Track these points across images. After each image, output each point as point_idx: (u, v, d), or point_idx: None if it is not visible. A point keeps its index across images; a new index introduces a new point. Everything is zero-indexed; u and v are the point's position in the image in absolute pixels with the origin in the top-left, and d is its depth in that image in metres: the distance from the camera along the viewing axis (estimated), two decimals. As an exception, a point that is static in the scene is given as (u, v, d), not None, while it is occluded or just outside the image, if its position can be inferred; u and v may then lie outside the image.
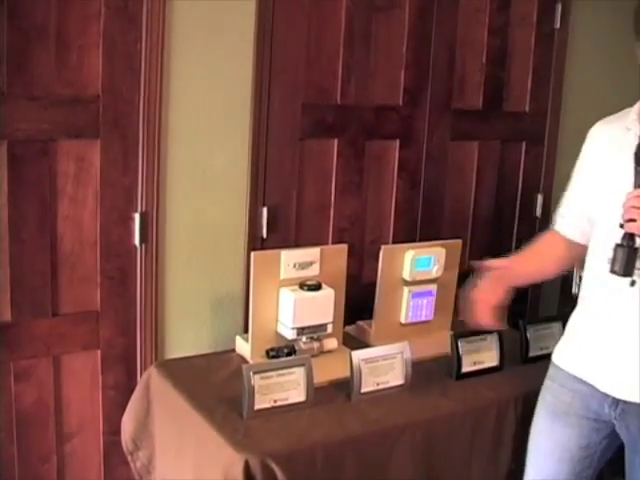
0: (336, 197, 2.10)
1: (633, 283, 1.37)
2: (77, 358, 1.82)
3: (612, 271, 1.35)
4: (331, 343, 1.89)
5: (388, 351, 1.73)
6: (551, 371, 1.54)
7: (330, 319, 1.84)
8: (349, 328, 2.03)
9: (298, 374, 1.62)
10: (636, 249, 1.34)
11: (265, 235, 1.99)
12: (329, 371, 1.78)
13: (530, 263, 1.59)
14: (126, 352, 1.88)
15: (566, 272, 1.62)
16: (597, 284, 1.45)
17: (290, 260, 1.81)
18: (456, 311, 2.07)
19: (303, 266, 1.82)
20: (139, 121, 1.75)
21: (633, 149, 1.34)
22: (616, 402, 1.43)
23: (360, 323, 2.04)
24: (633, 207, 1.31)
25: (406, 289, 1.98)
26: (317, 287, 1.81)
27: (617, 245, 1.35)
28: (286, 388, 1.61)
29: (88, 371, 1.84)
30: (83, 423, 1.86)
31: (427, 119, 2.16)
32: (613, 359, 1.42)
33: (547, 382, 1.55)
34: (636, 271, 1.36)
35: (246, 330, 1.90)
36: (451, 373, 1.83)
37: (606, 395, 1.44)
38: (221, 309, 1.96)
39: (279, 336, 1.83)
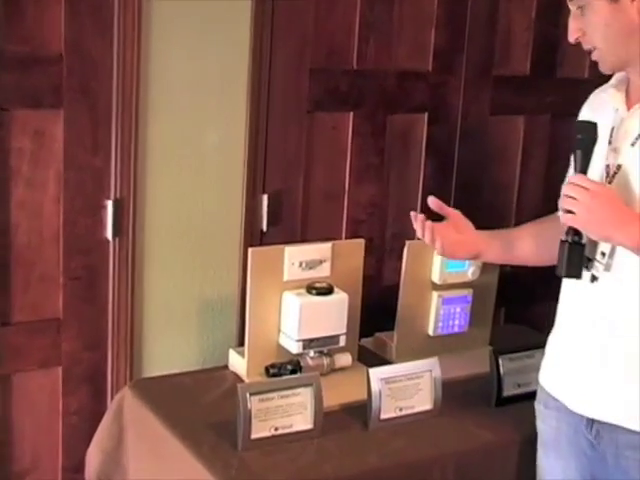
0: (351, 183, 2.10)
1: (594, 279, 1.39)
2: (32, 377, 1.81)
3: (557, 273, 1.37)
4: (344, 359, 1.90)
5: (413, 369, 1.74)
6: (538, 392, 1.58)
7: (343, 330, 1.85)
8: (366, 341, 2.04)
9: (304, 396, 1.63)
10: (582, 245, 1.35)
11: (265, 228, 1.99)
12: (342, 393, 1.79)
13: (512, 237, 1.64)
14: (94, 370, 1.87)
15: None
16: (566, 283, 1.48)
17: (295, 258, 1.82)
18: (495, 321, 2.11)
19: (311, 265, 1.83)
20: (112, 88, 1.73)
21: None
22: (590, 423, 1.44)
23: (379, 335, 2.05)
24: (568, 196, 1.33)
25: (435, 294, 1.98)
26: (328, 291, 1.82)
27: (560, 242, 1.36)
28: (290, 413, 1.62)
29: (46, 393, 1.83)
30: (38, 458, 1.85)
31: (462, 88, 2.16)
32: (580, 371, 1.44)
33: (536, 405, 1.58)
34: (596, 264, 1.37)
35: (241, 343, 1.91)
36: (490, 398, 1.83)
37: (580, 415, 1.46)
38: (211, 317, 1.97)
39: (281, 350, 1.84)
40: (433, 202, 1.61)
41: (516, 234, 1.66)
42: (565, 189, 1.35)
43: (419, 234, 1.59)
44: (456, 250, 1.62)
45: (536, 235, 1.62)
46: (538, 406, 1.57)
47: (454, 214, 1.63)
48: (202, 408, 1.72)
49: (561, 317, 1.52)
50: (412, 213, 1.59)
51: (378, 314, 2.01)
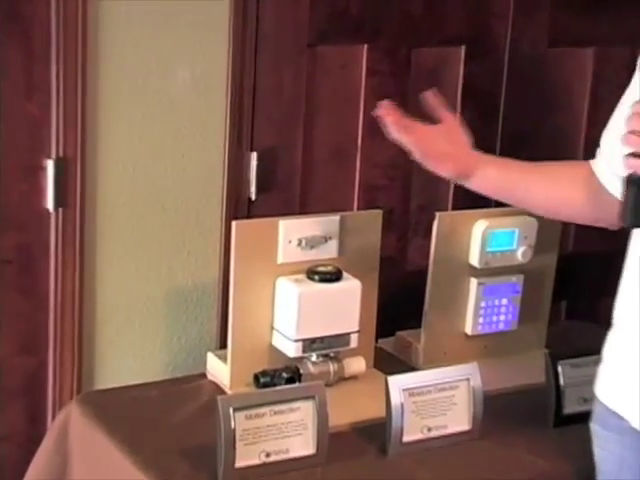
0: (365, 137, 2.10)
1: None
2: (-52, 389, 1.87)
3: (621, 221, 1.32)
4: (356, 364, 1.90)
5: (446, 378, 1.73)
6: (594, 407, 1.55)
7: (355, 327, 1.85)
8: (385, 342, 2.06)
9: (304, 412, 1.62)
10: None
11: (254, 196, 2.01)
12: (353, 408, 1.80)
13: (523, 171, 1.65)
14: (30, 380, 1.87)
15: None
16: (631, 265, 1.46)
17: (293, 234, 1.82)
18: (553, 317, 2.13)
19: (313, 243, 1.84)
20: (50, 11, 1.72)
21: None
22: None
23: (402, 334, 2.07)
24: (636, 133, 1.26)
25: (475, 282, 2.00)
26: (335, 277, 1.82)
27: (626, 180, 1.29)
28: (286, 434, 1.62)
29: (-34, 410, 1.88)
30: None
31: (511, 12, 2.16)
32: None
33: (591, 426, 1.55)
34: None
35: (224, 344, 1.92)
36: (546, 415, 1.83)
37: None
38: (184, 311, 1.99)
39: (275, 353, 1.85)
40: (430, 96, 1.62)
41: (523, 166, 1.66)
42: (631, 121, 1.28)
43: (391, 133, 1.60)
44: (440, 162, 1.64)
45: (551, 174, 1.63)
46: (594, 427, 1.54)
47: (450, 119, 1.65)
48: (172, 429, 1.72)
49: (623, 309, 1.49)
50: (380, 104, 1.60)
51: (400, 307, 2.02)
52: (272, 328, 1.84)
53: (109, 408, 1.78)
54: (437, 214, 1.93)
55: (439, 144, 1.63)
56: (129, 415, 1.77)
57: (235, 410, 1.56)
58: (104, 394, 1.86)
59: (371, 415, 1.76)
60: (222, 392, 1.82)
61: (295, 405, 1.61)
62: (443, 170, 1.65)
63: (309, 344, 1.81)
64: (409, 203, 2.18)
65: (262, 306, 1.83)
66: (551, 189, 1.62)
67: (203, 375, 1.91)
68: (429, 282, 1.95)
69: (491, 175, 1.65)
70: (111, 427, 1.71)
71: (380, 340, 2.02)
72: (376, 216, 1.92)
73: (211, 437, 1.58)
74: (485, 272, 1.98)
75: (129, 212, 1.91)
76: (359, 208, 2.10)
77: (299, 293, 1.79)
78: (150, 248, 1.94)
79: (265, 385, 1.79)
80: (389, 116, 1.61)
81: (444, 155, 1.63)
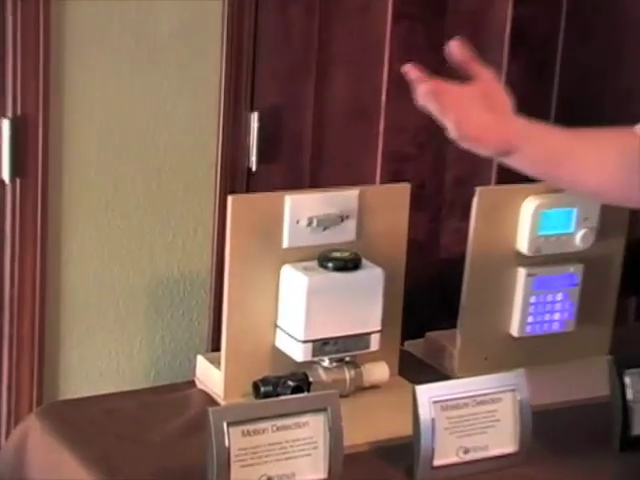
0: (391, 95, 2.11)
1: None
2: None
3: None
4: (378, 371, 1.91)
5: (487, 388, 1.73)
6: None
7: (376, 325, 1.86)
8: (412, 344, 2.08)
9: (314, 428, 1.62)
10: None
11: (255, 165, 2.03)
12: (373, 424, 1.81)
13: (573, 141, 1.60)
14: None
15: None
16: None
17: (302, 212, 1.83)
18: (620, 317, 2.13)
19: (326, 223, 1.84)
20: None
21: None
22: None
23: (433, 335, 2.09)
24: None
25: (523, 272, 2.00)
26: (353, 264, 1.83)
27: None
28: (291, 454, 1.61)
29: None
30: None
31: None
32: None
33: None
34: None
35: (216, 346, 1.94)
36: (610, 436, 1.82)
37: None
38: (169, 306, 2.01)
39: (279, 356, 1.86)
40: (456, 47, 1.53)
41: (579, 136, 1.61)
42: None
43: (420, 99, 1.50)
44: (480, 135, 1.53)
45: (611, 146, 1.60)
46: None
47: (486, 76, 1.55)
48: (154, 448, 1.73)
49: None
50: (406, 67, 1.53)
51: (431, 303, 2.06)
52: (275, 326, 1.85)
53: (76, 423, 1.78)
54: (477, 189, 1.93)
55: (476, 112, 1.53)
56: (101, 431, 1.76)
57: (230, 425, 1.55)
58: (70, 406, 1.86)
59: (395, 433, 1.75)
60: (214, 403, 1.83)
61: (303, 419, 1.61)
62: (482, 146, 1.56)
63: (320, 346, 1.82)
64: (443, 175, 2.19)
65: (264, 300, 1.83)
66: (609, 162, 1.59)
67: (191, 383, 1.92)
68: (467, 273, 1.96)
69: (540, 152, 1.59)
70: (79, 446, 1.71)
71: (407, 342, 2.03)
72: (403, 191, 1.92)
73: (201, 458, 1.58)
74: (536, 260, 1.99)
75: (102, 184, 1.92)
76: (382, 181, 2.12)
77: (309, 284, 1.79)
78: (128, 229, 1.95)
79: (267, 395, 1.79)
80: (415, 75, 1.53)
81: (481, 127, 1.54)
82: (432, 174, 2.17)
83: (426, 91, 1.49)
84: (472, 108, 1.52)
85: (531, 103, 2.09)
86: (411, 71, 1.51)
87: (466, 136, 1.51)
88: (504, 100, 1.56)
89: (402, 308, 1.93)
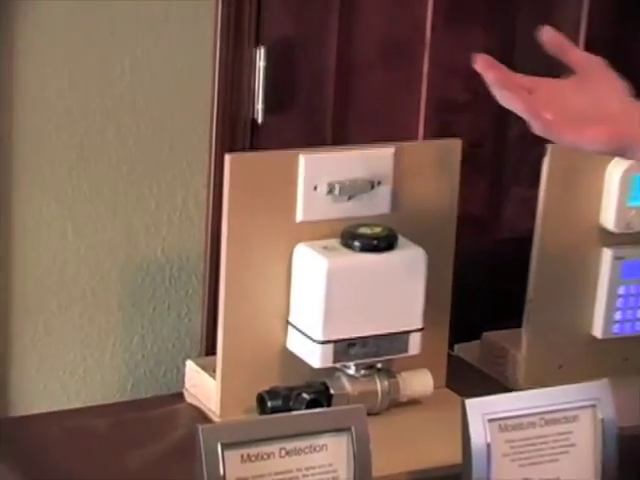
0: (438, 26, 2.12)
1: None
2: None
3: None
4: (419, 381, 1.90)
5: (560, 404, 1.68)
6: None
7: (416, 323, 1.85)
8: (464, 347, 2.10)
9: (335, 452, 1.58)
10: None
11: (261, 116, 2.04)
12: (412, 448, 1.80)
13: None
14: None
15: None
16: None
17: (321, 176, 1.82)
18: None
19: (352, 191, 1.83)
20: None
21: None
22: None
23: (492, 336, 2.08)
24: None
25: (608, 254, 2.00)
26: (386, 243, 1.81)
27: None
28: None
29: None
30: None
31: None
32: None
33: None
34: None
35: (211, 348, 1.95)
36: None
37: None
38: (151, 298, 2.02)
39: (291, 361, 1.86)
40: (549, 33, 1.55)
41: None
42: None
43: (499, 98, 1.51)
44: (582, 132, 1.53)
45: None
46: None
47: (585, 60, 1.56)
48: (129, 477, 1.72)
49: None
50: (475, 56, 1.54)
51: (489, 293, 2.09)
52: (287, 323, 1.84)
53: (30, 445, 1.78)
54: (548, 147, 1.90)
55: (576, 103, 1.54)
56: (62, 457, 1.76)
57: (225, 447, 1.50)
58: (23, 424, 1.87)
59: (440, 461, 1.74)
60: (208, 421, 1.84)
61: (320, 442, 1.56)
62: (589, 142, 1.54)
63: (345, 348, 1.80)
64: (505, 131, 2.19)
65: (271, 289, 1.83)
66: None
67: (179, 396, 1.92)
68: (535, 256, 1.95)
69: None
70: (33, 474, 1.72)
71: (457, 345, 2.05)
72: (453, 149, 1.91)
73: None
74: (625, 239, 1.98)
75: (63, 142, 1.93)
76: (426, 136, 2.12)
77: (329, 268, 1.77)
78: (97, 198, 1.97)
79: (275, 411, 1.77)
80: (490, 72, 1.53)
81: (585, 120, 1.53)
82: (491, 129, 2.18)
83: (508, 86, 1.50)
84: (570, 100, 1.54)
85: (609, 40, 2.13)
86: (484, 63, 1.53)
87: (565, 129, 1.52)
88: (617, 85, 1.57)
89: (451, 300, 1.92)
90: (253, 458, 1.52)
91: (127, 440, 1.78)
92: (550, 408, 1.67)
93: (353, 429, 1.56)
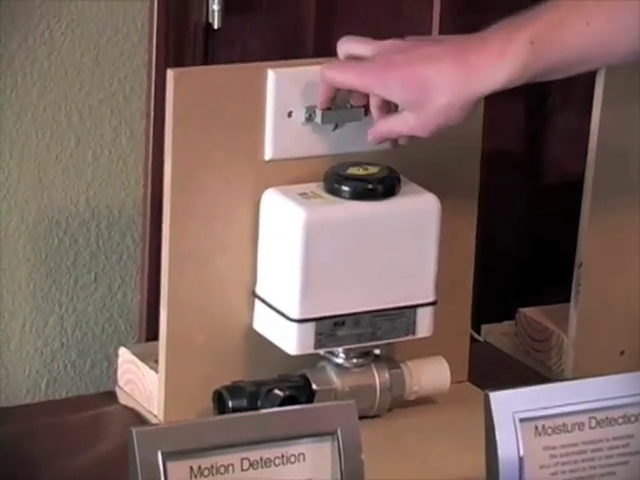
0: None
1: None
2: None
3: None
4: (432, 372, 1.88)
5: (617, 398, 1.63)
6: None
7: (428, 295, 1.82)
8: (492, 329, 2.13)
9: (315, 463, 1.54)
10: None
11: (218, 20, 2.07)
12: (422, 461, 1.79)
13: None
14: None
15: None
16: None
17: (297, 97, 1.80)
18: None
19: (339, 117, 1.81)
20: None
21: None
22: None
23: (529, 313, 2.08)
24: None
25: None
26: (385, 187, 1.78)
27: None
28: None
29: None
30: None
31: None
32: None
33: None
34: None
35: (153, 332, 1.96)
36: None
37: None
38: (73, 265, 2.06)
39: (259, 347, 1.83)
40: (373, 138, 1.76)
41: None
42: None
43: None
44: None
45: None
46: None
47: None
48: None
49: None
50: None
51: (525, 258, 2.19)
52: (253, 295, 1.80)
53: None
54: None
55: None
56: None
57: (168, 456, 1.46)
58: None
59: (459, 473, 1.72)
60: (145, 422, 1.85)
61: (295, 449, 1.53)
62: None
63: (330, 329, 1.77)
64: None
65: (231, 251, 1.80)
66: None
67: (110, 395, 1.90)
68: (585, 207, 1.94)
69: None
70: None
71: (484, 326, 2.08)
72: None
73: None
74: None
75: None
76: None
77: (307, 221, 1.73)
78: (13, 132, 1.98)
79: (236, 410, 1.74)
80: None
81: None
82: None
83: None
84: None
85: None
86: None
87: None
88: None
89: (473, 267, 1.90)
90: (206, 472, 1.47)
91: (40, 454, 1.78)
92: (603, 404, 1.62)
93: (339, 433, 1.51)
